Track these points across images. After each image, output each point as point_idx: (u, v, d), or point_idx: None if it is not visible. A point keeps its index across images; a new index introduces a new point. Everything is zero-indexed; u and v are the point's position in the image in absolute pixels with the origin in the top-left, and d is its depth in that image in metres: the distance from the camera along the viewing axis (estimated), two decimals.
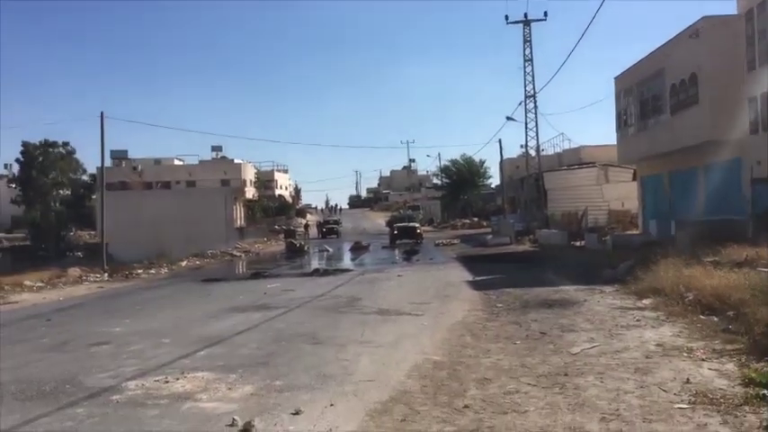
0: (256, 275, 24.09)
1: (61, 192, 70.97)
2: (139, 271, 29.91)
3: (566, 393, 6.78)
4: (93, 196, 63.92)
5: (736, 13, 23.81)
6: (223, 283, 21.59)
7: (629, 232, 32.05)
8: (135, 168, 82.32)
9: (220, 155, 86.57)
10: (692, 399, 6.35)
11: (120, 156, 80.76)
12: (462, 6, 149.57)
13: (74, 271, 27.78)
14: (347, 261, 31.33)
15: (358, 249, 40.39)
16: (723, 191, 24.03)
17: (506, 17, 43.01)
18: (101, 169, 37.84)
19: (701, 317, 10.58)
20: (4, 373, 8.70)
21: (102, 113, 33.96)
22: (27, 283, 23.22)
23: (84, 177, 73.74)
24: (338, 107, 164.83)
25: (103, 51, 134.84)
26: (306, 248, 43.21)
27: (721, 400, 6.27)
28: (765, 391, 6.32)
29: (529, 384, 7.21)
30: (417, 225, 47.11)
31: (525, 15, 42.79)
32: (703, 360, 7.93)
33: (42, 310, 16.71)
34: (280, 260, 35.93)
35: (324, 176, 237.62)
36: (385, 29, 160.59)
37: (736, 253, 15.70)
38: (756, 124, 22.32)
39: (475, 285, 17.70)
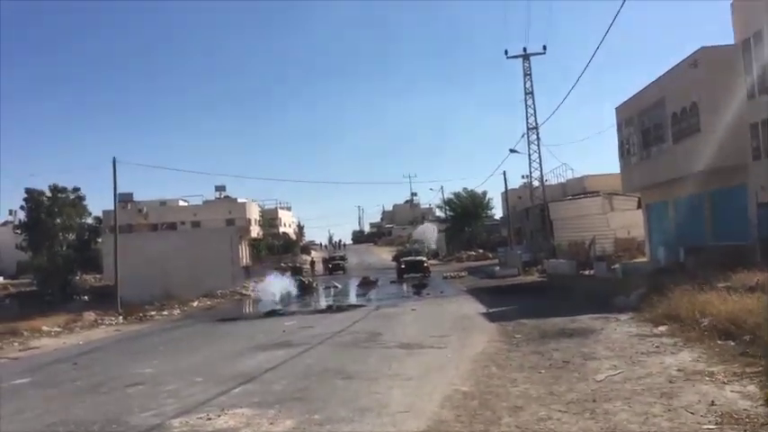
0: (271, 314, 24.35)
1: (67, 236, 71.60)
2: (152, 313, 30.20)
3: (596, 419, 7.08)
4: (99, 240, 64.45)
5: (732, 42, 24.47)
6: (239, 322, 21.84)
7: (636, 260, 32.33)
8: (140, 210, 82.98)
9: (224, 194, 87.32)
10: (719, 420, 6.65)
11: (125, 198, 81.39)
12: (461, 39, 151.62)
13: (89, 315, 28.05)
14: (357, 297, 31.60)
15: (366, 285, 40.55)
16: (729, 216, 24.39)
17: (506, 51, 43.97)
18: (114, 214, 38.36)
19: (719, 342, 10.86)
20: (48, 416, 9.01)
21: (114, 159, 34.70)
22: (44, 328, 23.49)
23: (89, 221, 74.39)
24: (339, 143, 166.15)
25: (102, 95, 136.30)
26: (314, 285, 43.38)
27: (746, 419, 6.56)
28: None
29: (559, 411, 7.50)
30: (424, 259, 47.37)
31: (524, 50, 43.72)
32: (725, 383, 8.23)
33: (66, 355, 17.00)
34: (290, 298, 36.14)
35: (326, 213, 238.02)
36: (384, 62, 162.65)
37: (747, 278, 15.97)
38: (759, 150, 22.81)
39: (490, 317, 17.98)
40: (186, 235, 66.04)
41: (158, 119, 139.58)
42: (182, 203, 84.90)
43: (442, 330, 15.62)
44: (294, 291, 40.39)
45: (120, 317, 28.30)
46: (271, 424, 7.70)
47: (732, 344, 10.52)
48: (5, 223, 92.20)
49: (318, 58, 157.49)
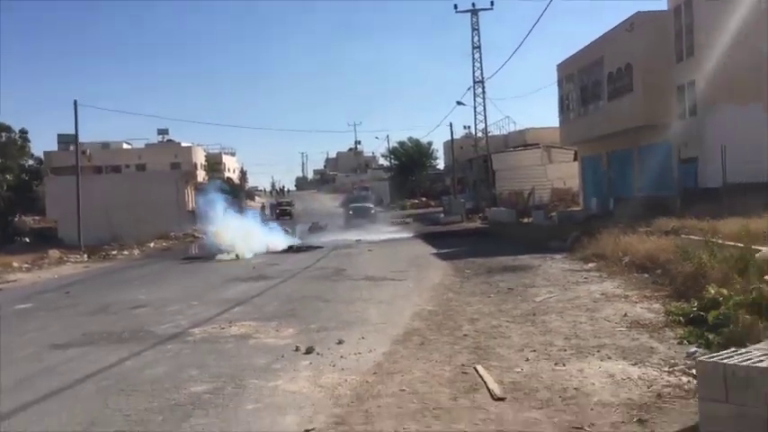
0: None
1: (7, 177, 70.54)
2: (114, 252, 31.19)
3: (536, 325, 9.08)
4: (39, 181, 63.87)
5: (666, 9, 26.59)
6: (205, 261, 23.23)
7: (571, 209, 34.89)
8: (84, 152, 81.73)
9: (167, 138, 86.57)
10: (629, 325, 8.72)
11: (67, 140, 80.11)
12: None
13: (54, 252, 28.95)
14: (312, 239, 33.11)
15: (317, 229, 42.00)
16: (655, 170, 26.86)
17: (455, 6, 45.27)
18: (76, 157, 38.89)
19: (636, 274, 13.05)
20: (73, 330, 10.51)
21: (75, 102, 34.94)
22: (15, 264, 24.43)
23: (31, 162, 73.28)
24: (284, 90, 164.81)
25: (43, 36, 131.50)
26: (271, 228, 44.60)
27: (649, 325, 8.64)
28: (680, 318, 8.70)
29: (507, 322, 9.47)
30: (371, 205, 49.09)
31: (473, 4, 45.12)
32: (636, 302, 10.35)
33: (50, 286, 18.20)
34: None
35: (269, 159, 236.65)
36: (333, 12, 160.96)
37: (665, 224, 18.30)
38: (684, 110, 25.22)
39: (441, 257, 19.98)
40: (131, 178, 65.82)
41: (98, 61, 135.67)
42: (125, 146, 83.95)
43: (399, 267, 17.52)
44: None
45: (85, 255, 29.25)
46: (276, 331, 9.45)
47: (646, 276, 12.70)
48: None
49: (265, 3, 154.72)
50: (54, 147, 78.87)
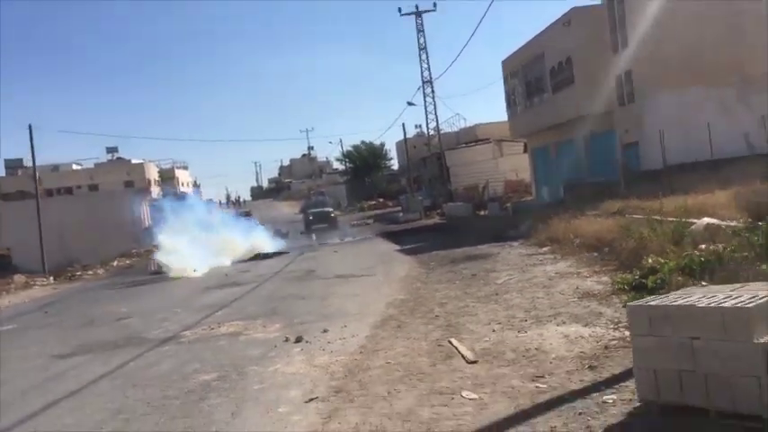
0: None
1: None
2: (78, 273, 31.36)
3: (499, 303, 10.07)
4: None
5: (600, 3, 28.05)
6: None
7: (525, 199, 36.24)
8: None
9: (116, 156, 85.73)
10: (581, 296, 9.77)
11: (15, 165, 78.87)
12: None
13: (19, 278, 29.01)
14: (276, 246, 33.69)
15: (279, 236, 42.53)
16: (600, 156, 28.28)
17: (399, 9, 46.39)
18: (34, 179, 38.85)
19: (586, 254, 14.17)
20: (68, 342, 11.12)
21: (30, 126, 34.92)
22: None
23: None
24: (233, 100, 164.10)
25: None
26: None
27: (598, 294, 9.70)
28: (625, 287, 9.77)
29: (473, 302, 10.45)
30: (331, 209, 49.79)
31: (417, 7, 46.27)
32: (587, 277, 11.44)
33: (25, 308, 18.59)
34: None
35: (223, 170, 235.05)
36: (280, 18, 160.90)
37: (611, 206, 19.55)
38: (623, 98, 26.71)
39: (404, 252, 20.94)
40: (85, 199, 65.21)
41: (41, 80, 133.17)
42: (75, 167, 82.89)
43: (366, 264, 18.40)
44: None
45: (51, 277, 29.39)
46: (264, 327, 10.26)
47: (596, 254, 13.82)
48: None
49: (210, 13, 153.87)
50: (1, 173, 77.61)
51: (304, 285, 15.28)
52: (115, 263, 37.18)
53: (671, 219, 13.27)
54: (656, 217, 14.07)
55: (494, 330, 8.21)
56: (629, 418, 4.73)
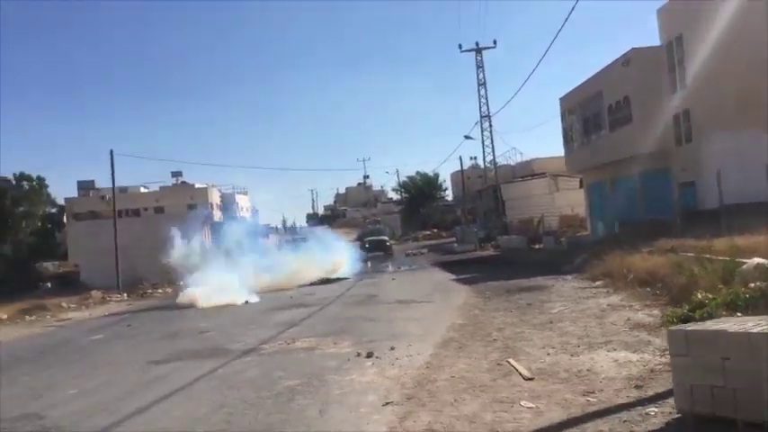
0: None
1: (30, 224, 72.90)
2: (149, 290, 33.04)
3: (553, 330, 10.82)
4: (61, 228, 66.26)
5: (659, 44, 28.64)
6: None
7: (579, 234, 36.60)
8: (103, 198, 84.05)
9: (181, 180, 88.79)
10: (632, 327, 10.44)
11: (87, 186, 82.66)
12: (415, 28, 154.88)
13: (96, 293, 30.81)
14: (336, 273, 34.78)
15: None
16: (656, 194, 28.63)
17: (460, 46, 47.73)
18: (113, 203, 41.24)
19: (638, 289, 14.75)
20: (159, 351, 12.29)
21: (111, 151, 37.26)
22: (63, 304, 26.32)
23: (52, 210, 75.67)
24: (292, 128, 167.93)
25: (56, 82, 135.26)
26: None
27: (648, 326, 10.35)
28: (674, 319, 10.40)
29: (529, 329, 11.22)
30: (387, 238, 50.90)
31: (477, 44, 47.49)
32: (638, 310, 12.08)
33: (107, 322, 20.02)
34: None
35: (279, 196, 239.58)
36: (340, 47, 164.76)
37: (665, 244, 19.99)
38: (680, 138, 27.10)
39: (461, 282, 21.73)
40: (151, 221, 67.87)
41: (112, 107, 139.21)
42: (142, 190, 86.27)
43: (424, 292, 19.27)
44: None
45: (125, 294, 31.10)
46: (335, 344, 11.23)
47: (648, 289, 14.39)
48: None
49: (272, 44, 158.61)
50: (74, 193, 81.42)
51: (367, 308, 16.24)
52: (182, 283, 38.79)
53: (722, 258, 13.79)
54: (707, 256, 14.60)
55: (548, 354, 8.98)
56: (667, 427, 5.49)
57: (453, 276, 24.11)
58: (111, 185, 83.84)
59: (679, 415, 5.59)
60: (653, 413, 5.85)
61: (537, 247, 34.61)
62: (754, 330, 5.15)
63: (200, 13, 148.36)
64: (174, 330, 15.36)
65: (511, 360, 8.65)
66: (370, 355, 9.77)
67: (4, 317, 23.70)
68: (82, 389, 9.39)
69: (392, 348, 10.23)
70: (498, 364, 8.56)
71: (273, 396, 7.82)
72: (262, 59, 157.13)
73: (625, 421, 5.71)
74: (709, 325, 5.61)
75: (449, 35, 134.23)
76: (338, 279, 27.83)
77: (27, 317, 23.91)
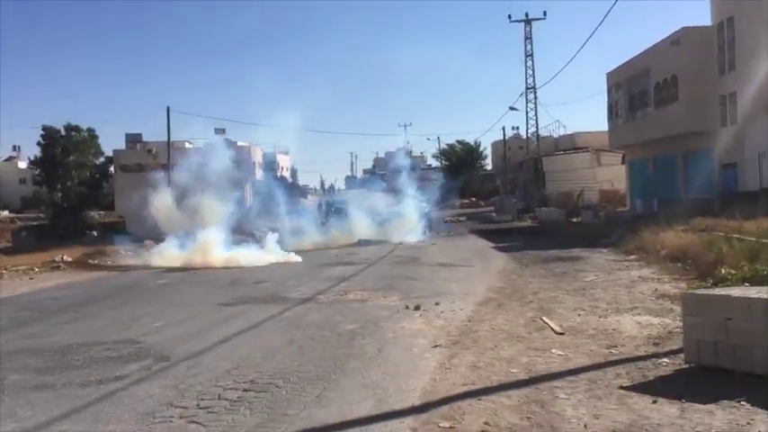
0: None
1: (80, 173, 75.63)
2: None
3: (585, 296, 11.82)
4: (109, 178, 68.87)
5: (710, 24, 28.77)
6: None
7: (619, 209, 37.15)
8: (150, 151, 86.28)
9: (224, 137, 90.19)
10: (658, 296, 11.38)
11: (134, 139, 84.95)
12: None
13: (149, 242, 32.45)
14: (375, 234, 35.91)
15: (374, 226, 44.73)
16: (698, 174, 29.06)
17: (509, 16, 47.86)
18: (168, 157, 42.82)
19: (670, 264, 15.59)
20: (224, 295, 13.65)
21: (168, 108, 38.55)
22: (121, 251, 28.00)
23: (102, 160, 78.24)
24: (334, 91, 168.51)
25: (107, 39, 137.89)
26: (326, 225, 47.80)
27: (673, 296, 11.26)
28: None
29: (562, 294, 12.23)
30: (426, 204, 51.82)
31: (526, 15, 47.62)
32: (666, 282, 12.98)
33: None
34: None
35: (318, 157, 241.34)
36: (383, 12, 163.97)
37: (701, 223, 20.67)
38: (725, 119, 27.44)
39: (499, 249, 22.72)
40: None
41: (156, 63, 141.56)
42: (187, 145, 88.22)
43: (465, 256, 20.34)
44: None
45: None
46: (385, 297, 12.41)
47: (679, 265, 15.23)
48: (9, 158, 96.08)
49: (317, 6, 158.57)
50: (122, 145, 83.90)
51: (411, 269, 17.39)
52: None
53: (752, 238, 14.53)
54: (737, 236, 15.33)
55: (579, 315, 10.00)
56: (675, 374, 6.52)
57: (492, 244, 25.08)
58: (157, 139, 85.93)
59: (687, 366, 6.59)
60: (665, 363, 6.87)
61: (575, 220, 35.25)
62: (753, 295, 6.12)
63: None
64: (233, 279, 16.73)
65: (544, 318, 9.71)
66: (417, 308, 10.91)
67: (70, 260, 25.43)
68: (165, 322, 10.73)
69: (437, 304, 11.35)
70: (533, 321, 9.62)
71: (336, 336, 9.01)
72: (306, 20, 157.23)
73: (640, 368, 6.74)
74: (717, 291, 6.57)
75: (493, 2, 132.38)
76: (378, 241, 28.95)
77: (90, 261, 25.62)
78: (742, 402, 5.45)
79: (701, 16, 29.67)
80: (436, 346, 8.20)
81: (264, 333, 9.47)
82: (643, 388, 6.06)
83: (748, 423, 5.05)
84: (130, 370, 7.57)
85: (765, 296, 6.08)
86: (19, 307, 13.63)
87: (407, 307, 11.10)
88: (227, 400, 6.24)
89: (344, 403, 5.99)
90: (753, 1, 25.49)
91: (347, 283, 14.76)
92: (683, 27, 29.07)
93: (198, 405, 6.11)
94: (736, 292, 6.42)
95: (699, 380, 6.21)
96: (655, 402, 5.61)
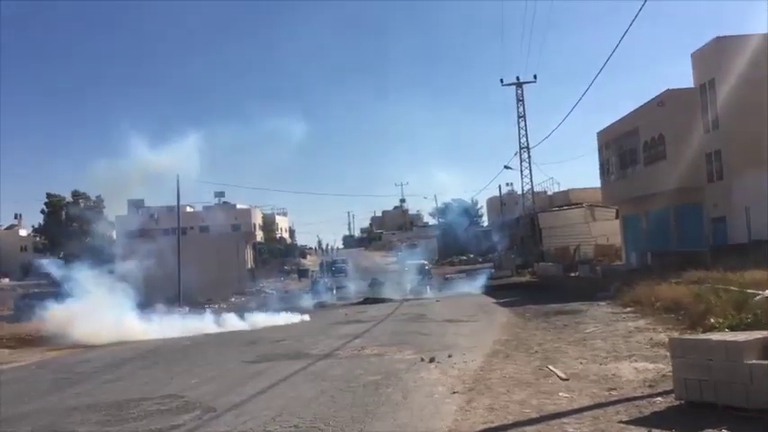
0: (319, 305, 29.84)
1: (84, 240, 76.67)
2: (206, 306, 35.52)
3: (586, 346, 12.78)
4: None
5: (692, 86, 30.39)
6: (299, 311, 27.17)
7: (614, 263, 38.19)
8: (152, 216, 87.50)
9: (223, 200, 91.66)
10: (653, 345, 12.35)
11: (137, 204, 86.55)
12: (459, 62, 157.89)
13: (160, 306, 33.31)
14: (378, 293, 36.77)
15: (376, 285, 45.59)
16: (689, 228, 30.25)
17: (501, 80, 49.81)
18: (178, 224, 44.20)
19: (664, 315, 16.56)
20: (247, 354, 14.53)
21: (177, 176, 39.81)
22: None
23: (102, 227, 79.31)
24: (331, 154, 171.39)
25: (103, 103, 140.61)
26: (329, 285, 48.67)
27: (667, 345, 12.16)
28: None
29: (565, 344, 13.19)
30: (426, 262, 52.85)
31: (518, 78, 49.53)
32: (661, 332, 13.94)
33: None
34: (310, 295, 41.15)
35: (315, 218, 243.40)
36: (376, 75, 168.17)
37: (693, 275, 21.68)
38: (712, 175, 28.75)
39: (501, 304, 23.67)
40: (197, 239, 70.84)
41: (151, 130, 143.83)
42: (188, 209, 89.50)
43: (469, 312, 21.29)
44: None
45: (186, 308, 33.63)
46: (400, 351, 13.34)
47: (672, 315, 16.20)
48: (11, 227, 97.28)
49: (311, 69, 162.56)
50: (124, 211, 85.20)
51: (420, 325, 18.32)
52: (233, 299, 41.32)
53: (740, 289, 15.55)
54: (726, 287, 16.34)
55: (581, 363, 10.95)
56: (667, 410, 7.47)
57: (494, 300, 26.04)
58: (158, 204, 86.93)
59: (678, 402, 7.55)
60: (659, 401, 7.83)
61: (573, 274, 36.25)
62: (730, 338, 7.14)
63: (233, 40, 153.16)
64: (252, 339, 17.62)
65: (550, 366, 10.65)
66: (432, 360, 11.85)
67: None
68: (200, 379, 11.63)
69: (449, 356, 12.28)
70: (539, 369, 10.56)
71: (362, 386, 9.94)
72: (302, 84, 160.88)
73: (637, 406, 7.70)
74: (700, 336, 7.60)
75: (487, 64, 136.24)
76: (385, 300, 29.86)
77: None
78: (723, 430, 6.40)
79: (685, 75, 31.33)
80: (455, 392, 9.13)
81: (295, 385, 10.39)
82: (640, 422, 7.01)
83: None
84: (183, 420, 8.47)
85: (740, 339, 7.10)
86: (54, 370, 14.50)
87: (423, 359, 12.03)
88: None
89: None
90: (732, 64, 27.11)
91: (361, 340, 15.68)
92: (667, 89, 30.70)
93: None
94: (716, 336, 7.45)
95: (688, 413, 7.16)
96: None
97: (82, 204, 75.93)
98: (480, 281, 40.29)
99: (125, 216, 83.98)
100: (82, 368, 14.54)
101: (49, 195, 77.35)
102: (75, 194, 74.82)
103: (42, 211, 79.26)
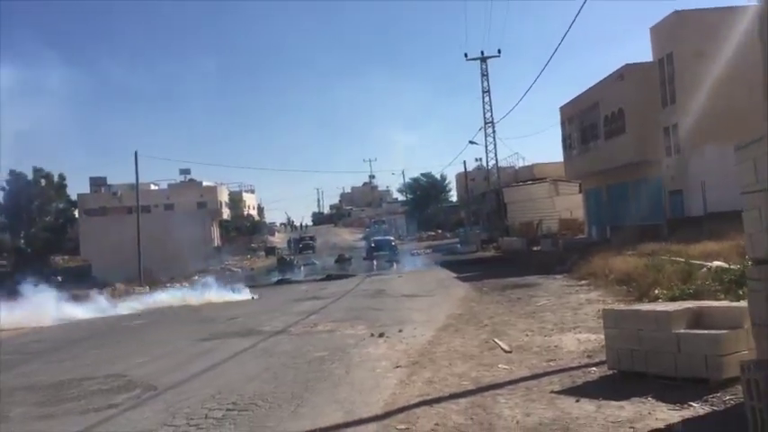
0: (281, 282, 29.79)
1: (44, 219, 75.28)
2: (168, 285, 35.18)
3: (535, 319, 12.92)
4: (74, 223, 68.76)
5: (651, 60, 30.64)
6: (259, 288, 27.21)
7: (577, 237, 38.65)
8: (115, 194, 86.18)
9: (189, 178, 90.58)
10: (600, 316, 12.45)
11: (99, 182, 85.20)
12: (423, 35, 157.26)
13: (120, 285, 33.01)
14: (343, 270, 36.97)
15: (343, 261, 45.83)
16: (647, 201, 30.66)
17: (465, 54, 49.75)
18: (137, 202, 43.26)
19: (616, 287, 16.79)
20: (199, 332, 14.46)
21: (135, 153, 39.16)
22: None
23: (64, 205, 77.94)
24: (298, 129, 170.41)
25: (73, 79, 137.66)
26: (295, 262, 48.68)
27: None
28: None
29: (515, 317, 13.33)
30: (392, 238, 53.03)
31: (482, 53, 49.50)
32: (610, 304, 14.07)
33: (142, 311, 22.20)
34: (276, 272, 41.25)
35: (284, 195, 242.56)
36: (343, 51, 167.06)
37: (648, 248, 22.04)
38: (670, 149, 29.14)
39: (461, 279, 23.83)
40: (161, 218, 69.96)
41: (124, 105, 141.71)
42: (152, 187, 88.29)
43: (428, 287, 21.40)
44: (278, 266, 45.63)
45: (147, 287, 33.30)
46: (352, 327, 13.37)
47: (624, 287, 16.45)
48: None
49: (276, 47, 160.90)
50: (86, 189, 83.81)
51: (377, 301, 18.38)
52: (196, 277, 40.95)
53: (691, 261, 15.85)
54: (676, 259, 16.65)
55: (527, 335, 11.08)
56: (599, 379, 7.60)
57: (455, 275, 26.20)
58: (121, 182, 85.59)
59: (610, 372, 7.68)
60: (593, 371, 7.96)
61: (536, 248, 36.61)
62: (660, 309, 7.26)
63: (205, 16, 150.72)
64: (205, 317, 17.53)
65: (495, 339, 10.76)
66: (381, 335, 11.90)
67: None
68: (148, 357, 11.54)
69: (400, 331, 12.35)
70: (486, 342, 10.66)
71: (307, 362, 9.94)
72: (267, 62, 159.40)
73: (571, 376, 7.82)
74: (631, 307, 7.71)
75: (451, 39, 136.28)
76: (345, 276, 29.90)
77: None
78: (649, 398, 6.52)
79: (646, 51, 31.57)
80: (397, 366, 9.18)
81: (241, 362, 10.37)
82: (571, 391, 7.11)
83: (650, 413, 6.11)
84: (122, 399, 8.41)
85: (669, 309, 7.22)
86: (3, 351, 14.27)
87: (372, 335, 12.07)
88: (213, 418, 7.13)
89: (317, 416, 6.93)
90: (690, 38, 27.35)
91: (315, 317, 15.69)
92: (626, 64, 30.92)
93: (188, 423, 7.00)
94: (646, 307, 7.56)
95: (618, 383, 7.29)
96: (577, 401, 6.66)
97: (43, 182, 74.38)
98: (446, 257, 40.63)
99: (87, 195, 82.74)
100: (30, 348, 14.34)
101: (11, 173, 75.52)
102: (37, 171, 73.16)
103: (3, 189, 77.53)
